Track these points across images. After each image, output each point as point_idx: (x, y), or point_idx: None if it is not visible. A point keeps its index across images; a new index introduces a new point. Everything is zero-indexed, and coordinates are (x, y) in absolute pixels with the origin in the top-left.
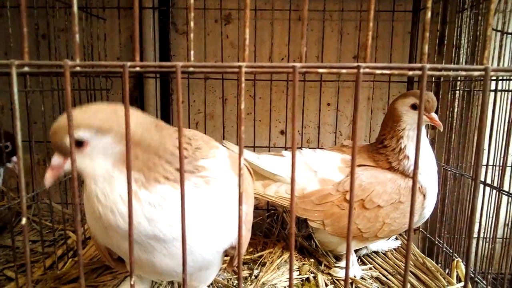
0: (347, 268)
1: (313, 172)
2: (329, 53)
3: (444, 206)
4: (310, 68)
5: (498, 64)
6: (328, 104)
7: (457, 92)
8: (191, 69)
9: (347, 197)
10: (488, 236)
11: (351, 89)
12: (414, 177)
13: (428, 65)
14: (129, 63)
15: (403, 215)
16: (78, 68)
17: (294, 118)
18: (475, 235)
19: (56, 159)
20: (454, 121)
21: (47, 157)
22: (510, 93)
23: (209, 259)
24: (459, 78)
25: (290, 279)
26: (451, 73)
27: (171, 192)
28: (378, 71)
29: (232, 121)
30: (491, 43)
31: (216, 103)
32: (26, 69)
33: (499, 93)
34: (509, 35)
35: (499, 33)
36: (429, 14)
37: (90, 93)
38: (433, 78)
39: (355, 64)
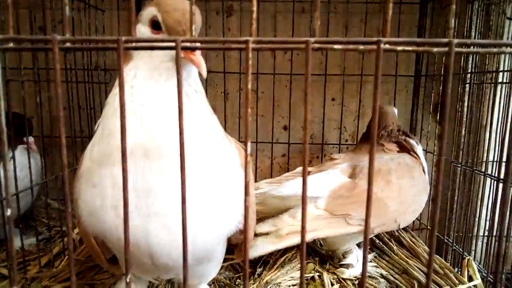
0: (364, 263)
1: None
2: None
3: (454, 203)
4: (324, 43)
5: None
6: (333, 99)
7: (467, 85)
8: (191, 44)
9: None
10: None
11: (356, 83)
12: (440, 155)
13: (456, 40)
14: (124, 38)
15: (418, 192)
16: (68, 44)
17: (306, 98)
18: (485, 233)
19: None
20: (464, 116)
21: (44, 152)
22: None
23: (210, 247)
24: (469, 70)
25: (301, 284)
26: (480, 50)
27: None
28: (399, 48)
29: (234, 116)
30: (506, 33)
31: (217, 97)
32: (11, 45)
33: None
34: None
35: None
36: None
37: (88, 86)
38: (442, 71)
39: (375, 39)
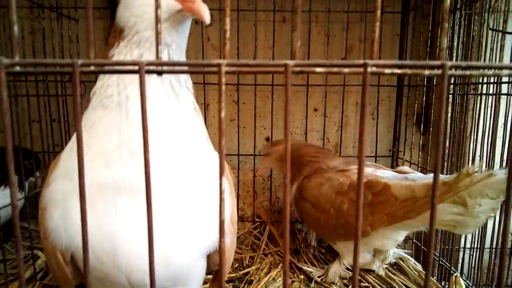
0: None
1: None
2: (316, 56)
3: None
4: (305, 66)
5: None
6: (315, 110)
7: (451, 96)
8: (156, 67)
9: None
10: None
11: (338, 93)
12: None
13: (449, 63)
14: (80, 61)
15: None
16: (17, 68)
17: (287, 125)
18: (473, 245)
19: None
20: (448, 127)
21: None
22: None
23: (187, 265)
24: (452, 82)
25: None
26: (475, 72)
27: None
28: (387, 70)
29: (214, 128)
30: (489, 44)
31: None
32: None
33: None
34: (508, 35)
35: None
36: (448, 1)
37: (62, 99)
38: (424, 82)
39: (361, 62)
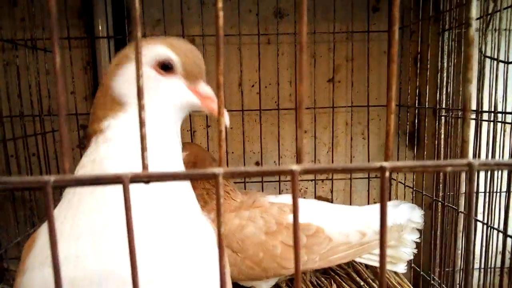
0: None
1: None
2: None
3: (436, 239)
4: (314, 171)
5: (496, 93)
6: (305, 132)
7: (442, 118)
8: (143, 179)
9: None
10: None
11: (327, 114)
12: None
13: (476, 161)
14: (52, 179)
15: None
16: None
17: (296, 231)
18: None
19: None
20: (441, 148)
21: None
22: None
23: None
24: (444, 106)
25: None
26: (503, 167)
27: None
28: (406, 170)
29: None
30: (481, 68)
31: (184, 136)
32: None
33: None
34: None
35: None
36: (469, 105)
37: (42, 137)
38: (416, 104)
39: (378, 165)
